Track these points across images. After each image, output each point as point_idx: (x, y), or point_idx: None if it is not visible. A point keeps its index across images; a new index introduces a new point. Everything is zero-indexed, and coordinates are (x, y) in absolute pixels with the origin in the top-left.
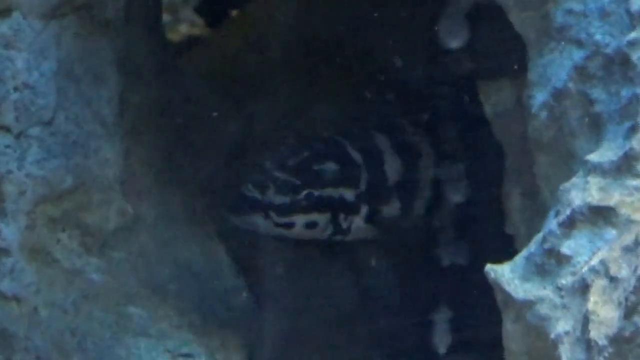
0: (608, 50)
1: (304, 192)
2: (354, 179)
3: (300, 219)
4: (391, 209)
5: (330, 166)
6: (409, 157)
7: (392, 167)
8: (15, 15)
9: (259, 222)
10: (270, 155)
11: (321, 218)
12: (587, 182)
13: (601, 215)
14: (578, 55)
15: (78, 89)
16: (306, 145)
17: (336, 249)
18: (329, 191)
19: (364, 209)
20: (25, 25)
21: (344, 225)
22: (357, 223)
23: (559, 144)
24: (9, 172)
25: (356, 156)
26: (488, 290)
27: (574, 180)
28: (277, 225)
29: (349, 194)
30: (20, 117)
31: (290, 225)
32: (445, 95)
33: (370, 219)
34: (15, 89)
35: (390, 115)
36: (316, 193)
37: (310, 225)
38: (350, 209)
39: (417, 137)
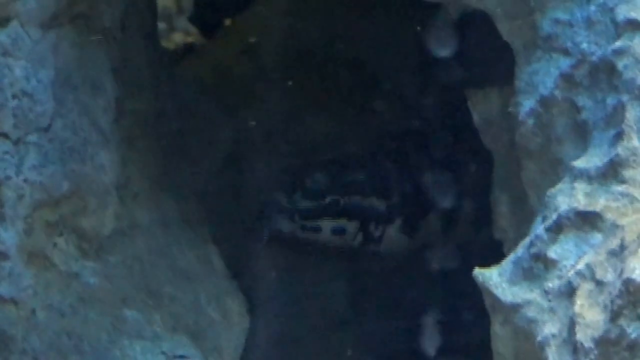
0: (594, 59)
1: (329, 198)
2: (386, 189)
3: (326, 225)
4: (433, 223)
5: (359, 176)
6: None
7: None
8: (14, 24)
9: (287, 224)
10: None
11: (350, 225)
12: (573, 188)
13: (587, 220)
14: (564, 63)
15: (75, 97)
16: (341, 157)
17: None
18: (357, 199)
19: (399, 220)
20: (24, 34)
21: (376, 234)
22: (390, 233)
23: (546, 151)
24: (8, 177)
25: (389, 168)
26: (477, 293)
27: (561, 186)
28: (303, 228)
29: (380, 204)
30: (18, 124)
31: (316, 230)
32: (434, 103)
33: (404, 229)
34: (14, 96)
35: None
36: (343, 200)
37: (338, 231)
38: (384, 219)
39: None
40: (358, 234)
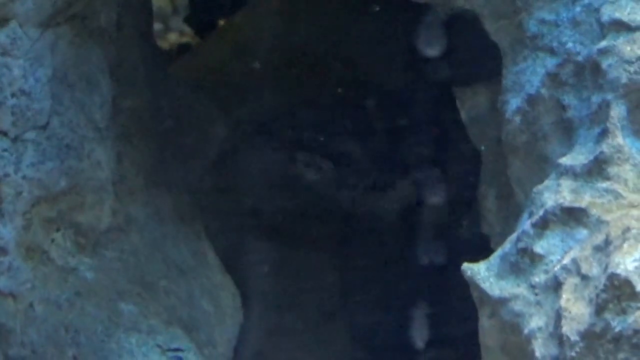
0: (579, 58)
1: None
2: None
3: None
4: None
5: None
6: None
7: None
8: (12, 24)
9: None
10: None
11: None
12: (559, 185)
13: (573, 216)
14: (550, 62)
15: (72, 95)
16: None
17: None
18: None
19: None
20: (22, 34)
21: None
22: None
23: (532, 148)
24: (6, 175)
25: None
26: (465, 287)
27: (547, 182)
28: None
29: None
30: (17, 122)
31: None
32: (423, 100)
33: None
34: (12, 95)
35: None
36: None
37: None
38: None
39: None
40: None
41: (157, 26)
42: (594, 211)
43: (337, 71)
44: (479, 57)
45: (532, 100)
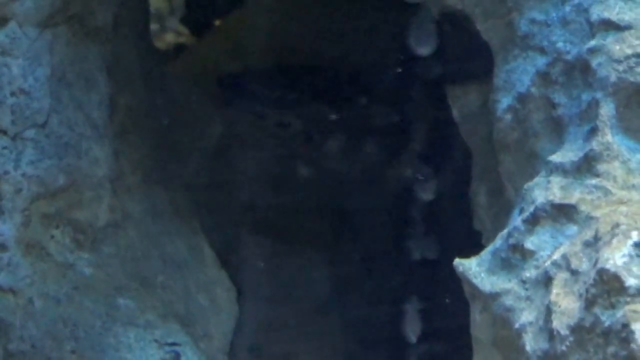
0: (569, 57)
1: None
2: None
3: None
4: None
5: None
6: None
7: None
8: (12, 24)
9: None
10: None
11: None
12: (549, 181)
13: (563, 212)
14: (541, 61)
15: (70, 94)
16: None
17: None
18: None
19: None
20: (21, 33)
21: None
22: None
23: (522, 145)
24: (6, 172)
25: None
26: (457, 282)
27: (537, 179)
28: None
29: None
30: (16, 120)
31: None
32: (415, 98)
33: None
34: (12, 94)
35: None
36: None
37: None
38: None
39: None
40: None
41: (154, 26)
42: (583, 207)
43: (330, 69)
44: (470, 57)
45: (522, 98)
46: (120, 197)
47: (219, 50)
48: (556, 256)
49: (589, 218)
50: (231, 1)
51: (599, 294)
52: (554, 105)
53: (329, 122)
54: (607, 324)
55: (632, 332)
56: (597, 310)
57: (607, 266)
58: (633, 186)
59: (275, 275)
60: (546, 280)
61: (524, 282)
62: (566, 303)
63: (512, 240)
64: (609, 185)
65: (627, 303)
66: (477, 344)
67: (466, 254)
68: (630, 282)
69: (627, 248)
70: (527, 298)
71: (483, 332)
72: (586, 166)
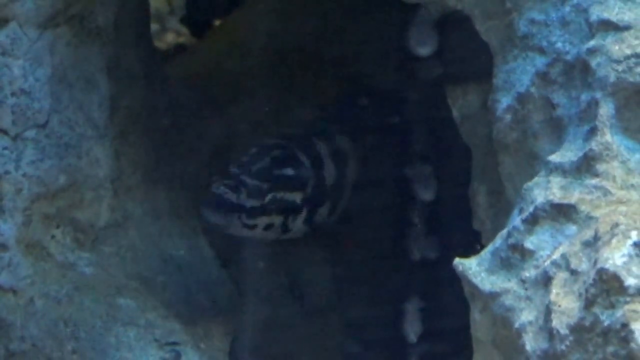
0: (568, 58)
1: (269, 196)
2: (305, 183)
3: (262, 221)
4: (324, 210)
5: (289, 171)
6: (340, 163)
7: (329, 172)
8: (13, 25)
9: (234, 222)
10: (233, 160)
11: (277, 220)
12: (549, 181)
13: (562, 212)
14: (540, 62)
15: (71, 94)
16: (264, 151)
17: (313, 243)
18: (286, 195)
19: (305, 211)
20: (22, 34)
21: (290, 226)
22: (298, 224)
23: (522, 146)
24: (7, 172)
25: (305, 161)
26: (456, 282)
27: (537, 179)
28: (244, 226)
29: (298, 197)
30: (17, 120)
31: (253, 227)
32: (415, 99)
33: (308, 221)
34: (13, 94)
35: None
36: (278, 196)
37: (269, 226)
38: (298, 211)
39: (346, 143)
40: None
41: (154, 27)
42: (583, 207)
43: (330, 70)
44: (470, 57)
45: (522, 98)
46: (121, 197)
47: (219, 50)
48: (556, 256)
49: (589, 218)
50: (231, 1)
51: (599, 293)
52: (553, 106)
53: (328, 120)
54: (606, 323)
55: (631, 332)
56: (596, 309)
57: (607, 266)
58: (632, 186)
59: (274, 274)
60: (546, 280)
61: (523, 281)
62: (566, 303)
63: (511, 240)
64: (608, 185)
65: (627, 303)
66: (477, 344)
67: (466, 254)
68: (630, 281)
69: (626, 248)
70: (527, 298)
71: (483, 332)
72: (585, 166)
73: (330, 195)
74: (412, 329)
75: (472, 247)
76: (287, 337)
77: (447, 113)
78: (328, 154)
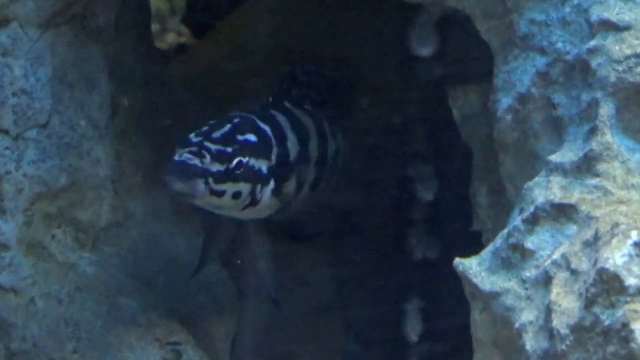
0: (569, 58)
1: (236, 160)
2: (269, 150)
3: (230, 188)
4: (290, 185)
5: (251, 137)
6: (303, 138)
7: (292, 145)
8: (14, 25)
9: (200, 188)
10: (191, 130)
11: (245, 188)
12: (549, 181)
13: (563, 212)
14: (541, 62)
15: (72, 94)
16: (223, 120)
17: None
18: (252, 161)
19: (272, 182)
20: (23, 34)
21: (258, 197)
22: (266, 195)
23: (522, 146)
24: (8, 172)
25: (268, 130)
26: (457, 282)
27: (537, 179)
28: (212, 193)
29: (264, 166)
30: (18, 120)
31: (221, 194)
32: (416, 99)
33: (275, 192)
34: (14, 94)
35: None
36: (244, 161)
37: (236, 195)
38: (265, 180)
39: (310, 120)
40: None
41: (155, 27)
42: (583, 207)
43: (329, 69)
44: (470, 57)
45: (522, 98)
46: (122, 197)
47: (220, 50)
48: (556, 256)
49: (589, 218)
50: (232, 2)
51: (599, 293)
52: (553, 106)
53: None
54: (607, 323)
55: (631, 332)
56: (597, 309)
57: (607, 266)
58: (632, 186)
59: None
60: (546, 280)
61: (524, 281)
62: (566, 302)
63: (512, 240)
64: (608, 185)
65: (627, 302)
66: (477, 344)
67: (466, 254)
68: (630, 281)
69: (626, 248)
70: (527, 297)
71: (483, 332)
72: (586, 166)
73: (294, 170)
74: (413, 329)
75: (471, 246)
76: (286, 336)
77: (447, 113)
78: (290, 127)
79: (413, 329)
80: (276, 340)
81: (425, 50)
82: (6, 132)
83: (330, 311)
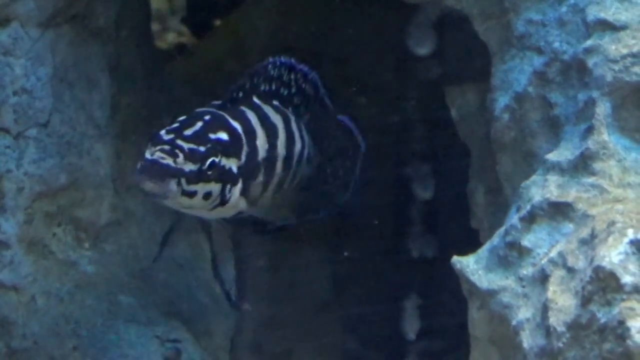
0: (565, 57)
1: (209, 161)
2: (239, 150)
3: (201, 188)
4: (257, 184)
5: (223, 135)
6: (271, 135)
7: (261, 144)
8: (14, 24)
9: (173, 188)
10: (161, 127)
11: (215, 188)
12: (546, 180)
13: (559, 210)
14: (538, 61)
15: (72, 93)
16: (193, 117)
17: (312, 241)
18: (223, 161)
19: (240, 182)
20: (23, 33)
21: (227, 197)
22: (235, 195)
23: (520, 145)
24: (9, 171)
25: (238, 128)
26: (454, 280)
27: (534, 178)
28: (183, 193)
29: (234, 165)
30: (18, 119)
31: (192, 194)
32: (414, 98)
33: (243, 192)
34: (14, 93)
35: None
36: (216, 161)
37: (207, 195)
38: (235, 180)
39: (279, 117)
40: None
41: (155, 27)
42: (579, 206)
43: (328, 69)
44: (468, 57)
45: (519, 98)
46: (122, 195)
47: (220, 49)
48: (553, 254)
49: (585, 216)
50: (232, 2)
51: (595, 291)
52: (550, 105)
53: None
54: (603, 320)
55: (627, 329)
56: (593, 307)
57: (603, 264)
58: (628, 184)
59: (273, 272)
60: (543, 278)
61: (521, 279)
62: (563, 300)
63: (509, 238)
64: (605, 183)
65: (623, 300)
66: (475, 341)
67: (464, 252)
68: (626, 279)
69: (623, 246)
70: (524, 295)
71: (480, 330)
72: (582, 165)
73: (262, 169)
74: (411, 327)
75: (469, 245)
76: (285, 334)
77: (445, 112)
78: (259, 125)
79: (411, 327)
80: (275, 338)
81: (423, 50)
82: (7, 130)
83: (328, 309)
